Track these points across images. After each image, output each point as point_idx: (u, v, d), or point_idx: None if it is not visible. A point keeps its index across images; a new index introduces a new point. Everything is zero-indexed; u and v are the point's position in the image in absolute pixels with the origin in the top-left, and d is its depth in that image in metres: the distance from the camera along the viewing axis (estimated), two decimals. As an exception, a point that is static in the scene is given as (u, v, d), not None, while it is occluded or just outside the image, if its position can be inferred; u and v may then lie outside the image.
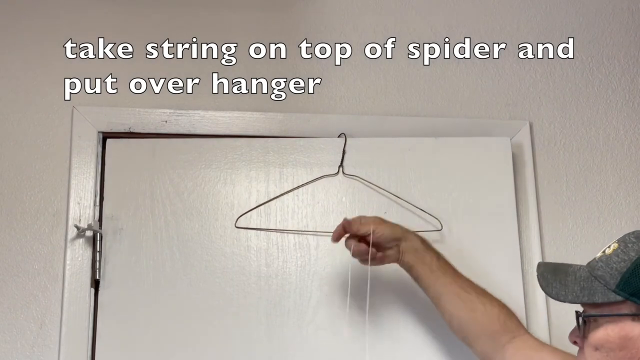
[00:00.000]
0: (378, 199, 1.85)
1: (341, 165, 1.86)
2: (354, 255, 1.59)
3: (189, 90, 1.93)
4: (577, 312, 1.22)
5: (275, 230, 1.82)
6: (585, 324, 1.21)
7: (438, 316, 1.60)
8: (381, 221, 1.59)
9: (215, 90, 1.94)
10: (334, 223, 1.71)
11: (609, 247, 1.21)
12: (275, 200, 1.84)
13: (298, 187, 1.85)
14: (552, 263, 1.32)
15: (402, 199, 1.83)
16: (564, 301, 1.21)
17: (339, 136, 1.89)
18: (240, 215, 1.82)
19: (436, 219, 1.83)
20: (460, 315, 1.54)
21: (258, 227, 1.83)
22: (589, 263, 1.23)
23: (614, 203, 2.01)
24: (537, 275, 1.29)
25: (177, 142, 1.88)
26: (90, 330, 1.75)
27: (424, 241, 1.61)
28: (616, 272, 1.16)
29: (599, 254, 1.22)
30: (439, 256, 1.60)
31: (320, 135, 1.91)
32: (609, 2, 2.13)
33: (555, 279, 1.24)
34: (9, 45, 1.90)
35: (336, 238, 1.61)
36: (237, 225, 1.82)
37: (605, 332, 1.18)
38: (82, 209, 1.81)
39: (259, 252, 1.82)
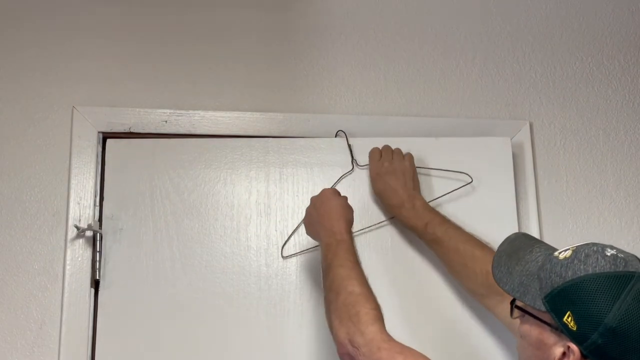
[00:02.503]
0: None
1: (353, 159, 1.86)
2: None
3: (189, 90, 1.93)
4: (513, 300, 1.29)
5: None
6: (517, 312, 1.28)
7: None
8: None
9: (215, 90, 1.94)
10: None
11: (565, 250, 1.24)
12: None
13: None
14: (521, 240, 1.37)
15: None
16: (502, 288, 1.29)
17: (335, 135, 1.89)
18: (284, 244, 1.82)
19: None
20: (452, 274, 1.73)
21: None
22: (547, 255, 1.26)
23: (614, 203, 2.01)
24: (496, 251, 1.36)
25: (177, 142, 1.88)
26: (90, 330, 1.75)
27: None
28: (550, 284, 1.21)
29: (556, 253, 1.25)
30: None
31: (320, 135, 1.91)
32: (609, 2, 2.13)
33: (507, 263, 1.31)
34: (9, 45, 1.90)
35: None
36: (283, 255, 1.81)
37: (529, 328, 1.25)
38: (82, 209, 1.81)
39: (259, 252, 1.82)
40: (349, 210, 1.63)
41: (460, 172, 1.84)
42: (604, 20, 2.12)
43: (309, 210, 1.67)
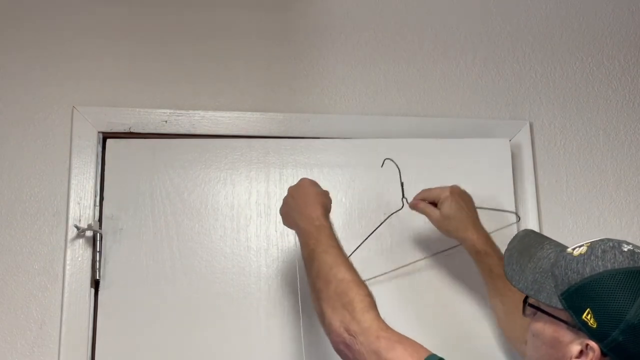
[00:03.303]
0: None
1: (404, 197, 1.76)
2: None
3: (189, 90, 1.93)
4: (525, 297, 1.27)
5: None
6: (529, 310, 1.27)
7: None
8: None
9: (215, 90, 1.94)
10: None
11: (580, 246, 1.22)
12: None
13: (371, 233, 1.79)
14: (530, 237, 1.35)
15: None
16: (515, 286, 1.27)
17: (382, 165, 1.79)
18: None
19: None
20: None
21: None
22: (559, 252, 1.25)
23: (614, 203, 2.01)
24: (506, 248, 1.34)
25: (177, 142, 1.88)
26: (90, 330, 1.76)
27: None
28: (567, 280, 1.19)
29: (570, 249, 1.24)
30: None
31: (320, 135, 1.91)
32: (609, 2, 2.13)
33: (518, 260, 1.29)
34: (9, 45, 1.90)
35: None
36: None
37: (543, 326, 1.23)
38: (82, 209, 1.81)
39: (259, 253, 1.82)
40: (326, 196, 1.59)
41: (507, 211, 1.84)
42: (604, 20, 2.12)
43: (286, 199, 1.62)
